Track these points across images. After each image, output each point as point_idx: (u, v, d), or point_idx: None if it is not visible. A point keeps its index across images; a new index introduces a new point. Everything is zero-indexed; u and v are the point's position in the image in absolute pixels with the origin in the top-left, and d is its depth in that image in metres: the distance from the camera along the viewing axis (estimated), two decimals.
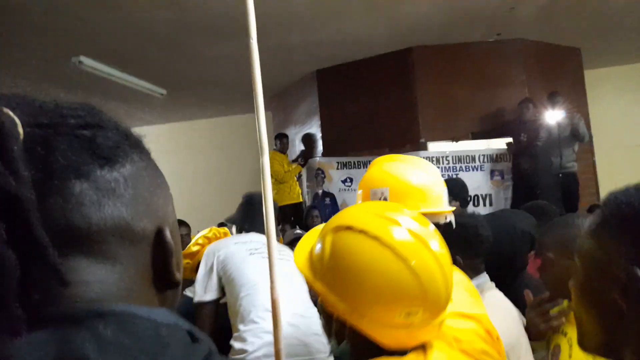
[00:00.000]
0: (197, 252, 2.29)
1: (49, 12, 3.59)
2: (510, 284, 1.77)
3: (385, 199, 1.11)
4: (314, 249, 0.88)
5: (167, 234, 0.42)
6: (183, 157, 8.57)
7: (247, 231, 2.18)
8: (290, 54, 5.11)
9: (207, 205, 7.78)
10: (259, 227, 2.17)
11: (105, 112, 0.43)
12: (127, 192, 0.39)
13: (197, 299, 1.95)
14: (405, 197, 1.10)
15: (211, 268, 1.97)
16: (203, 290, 1.95)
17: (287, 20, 4.16)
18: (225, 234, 2.50)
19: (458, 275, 1.14)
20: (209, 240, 2.38)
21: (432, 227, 0.85)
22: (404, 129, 5.31)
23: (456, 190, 2.92)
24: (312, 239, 0.92)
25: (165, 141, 8.65)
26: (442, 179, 1.22)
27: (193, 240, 2.47)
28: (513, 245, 1.87)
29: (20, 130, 0.33)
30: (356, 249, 0.79)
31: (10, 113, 0.33)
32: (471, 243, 1.56)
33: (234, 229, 2.37)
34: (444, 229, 1.17)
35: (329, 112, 5.78)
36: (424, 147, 5.22)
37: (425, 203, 1.11)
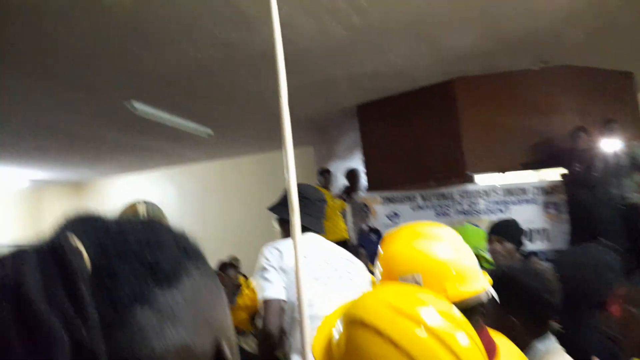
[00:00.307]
0: (252, 305, 2.20)
1: (105, 55, 3.83)
2: (584, 324, 1.69)
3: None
4: (332, 338, 0.83)
5: (226, 349, 0.41)
6: (230, 193, 8.78)
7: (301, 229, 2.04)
8: (331, 87, 5.18)
9: (253, 241, 7.85)
10: (315, 225, 2.03)
11: (164, 226, 0.44)
12: (188, 313, 0.39)
13: (264, 294, 1.79)
14: (443, 281, 0.97)
15: (280, 270, 1.82)
16: (271, 287, 1.79)
17: (329, 53, 4.23)
18: None
19: (510, 352, 1.04)
20: None
21: (460, 316, 0.78)
22: (449, 162, 5.20)
23: (510, 231, 2.78)
24: (331, 323, 0.86)
25: (213, 178, 8.92)
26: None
27: (245, 288, 2.32)
28: (595, 281, 1.75)
29: (88, 264, 0.34)
30: (369, 351, 0.74)
31: (79, 246, 0.34)
32: (533, 307, 1.41)
33: (275, 224, 2.18)
34: (498, 289, 1.08)
35: (372, 146, 5.77)
36: (470, 180, 5.08)
37: (464, 284, 0.99)
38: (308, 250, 1.85)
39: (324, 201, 2.13)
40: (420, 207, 5.37)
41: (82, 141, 6.46)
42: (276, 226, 2.15)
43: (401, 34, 3.96)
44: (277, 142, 7.55)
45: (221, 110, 5.64)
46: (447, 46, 4.32)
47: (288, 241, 1.89)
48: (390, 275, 1.03)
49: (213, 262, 7.56)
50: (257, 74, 4.54)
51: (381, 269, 1.07)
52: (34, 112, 5.02)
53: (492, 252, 2.88)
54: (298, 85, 4.94)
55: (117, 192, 9.84)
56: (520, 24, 4.02)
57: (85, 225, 0.39)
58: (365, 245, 5.14)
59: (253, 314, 2.11)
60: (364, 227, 5.58)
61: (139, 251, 0.38)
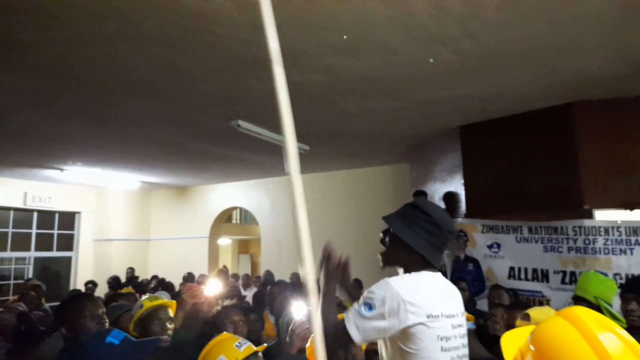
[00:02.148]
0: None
1: (215, 78, 4.01)
2: None
3: None
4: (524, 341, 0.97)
5: None
6: (323, 205, 8.86)
7: (421, 262, 1.59)
8: (433, 108, 4.97)
9: (343, 250, 7.87)
10: (438, 261, 1.62)
11: None
12: None
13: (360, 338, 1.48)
14: None
15: (397, 320, 1.46)
16: (374, 333, 1.48)
17: (433, 78, 4.06)
18: None
19: None
20: None
21: None
22: (563, 192, 4.72)
23: None
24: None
25: (307, 190, 9.03)
26: None
27: None
28: None
29: None
30: (562, 339, 0.89)
31: None
32: None
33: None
34: None
35: (474, 170, 5.44)
36: (588, 215, 4.56)
37: None
38: (438, 304, 1.49)
39: (453, 233, 1.76)
40: (526, 240, 4.94)
41: (187, 152, 6.89)
42: (382, 244, 1.75)
43: (515, 58, 3.67)
44: (368, 158, 7.57)
45: (318, 128, 5.68)
46: (568, 70, 3.92)
47: (417, 287, 1.51)
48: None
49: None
50: (356, 96, 4.50)
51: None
52: (148, 126, 5.43)
53: (626, 312, 2.53)
54: (397, 105, 4.81)
55: (215, 198, 10.40)
56: None
57: None
58: (462, 276, 4.84)
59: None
60: (461, 255, 5.27)
61: None
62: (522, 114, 5.05)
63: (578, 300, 2.89)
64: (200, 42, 3.26)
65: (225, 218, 11.16)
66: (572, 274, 4.52)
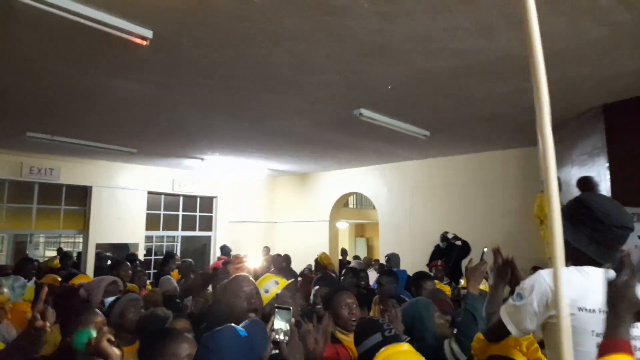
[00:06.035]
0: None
1: (340, 70, 4.13)
2: None
3: None
4: None
5: None
6: (440, 191, 8.68)
7: (585, 260, 1.52)
8: (573, 87, 4.57)
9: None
10: (604, 257, 1.50)
11: None
12: None
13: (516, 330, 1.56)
14: None
15: (546, 309, 1.47)
16: (527, 321, 1.52)
17: (576, 55, 3.74)
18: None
19: None
20: None
21: None
22: None
23: None
24: None
25: (424, 176, 8.94)
26: None
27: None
28: None
29: None
30: None
31: None
32: None
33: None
34: None
35: (621, 153, 4.89)
36: None
37: None
38: (596, 298, 1.38)
39: (625, 228, 1.52)
40: None
41: (310, 140, 7.24)
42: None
43: None
44: (492, 142, 7.19)
45: (440, 114, 5.56)
46: None
47: (571, 278, 1.46)
48: None
49: (419, 255, 7.62)
50: (483, 79, 4.32)
51: None
52: (279, 118, 5.82)
53: None
54: (528, 86, 4.50)
55: (334, 183, 10.77)
56: None
57: None
58: None
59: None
60: None
61: None
62: None
63: None
64: (330, 35, 3.40)
65: (343, 203, 11.50)
66: None
